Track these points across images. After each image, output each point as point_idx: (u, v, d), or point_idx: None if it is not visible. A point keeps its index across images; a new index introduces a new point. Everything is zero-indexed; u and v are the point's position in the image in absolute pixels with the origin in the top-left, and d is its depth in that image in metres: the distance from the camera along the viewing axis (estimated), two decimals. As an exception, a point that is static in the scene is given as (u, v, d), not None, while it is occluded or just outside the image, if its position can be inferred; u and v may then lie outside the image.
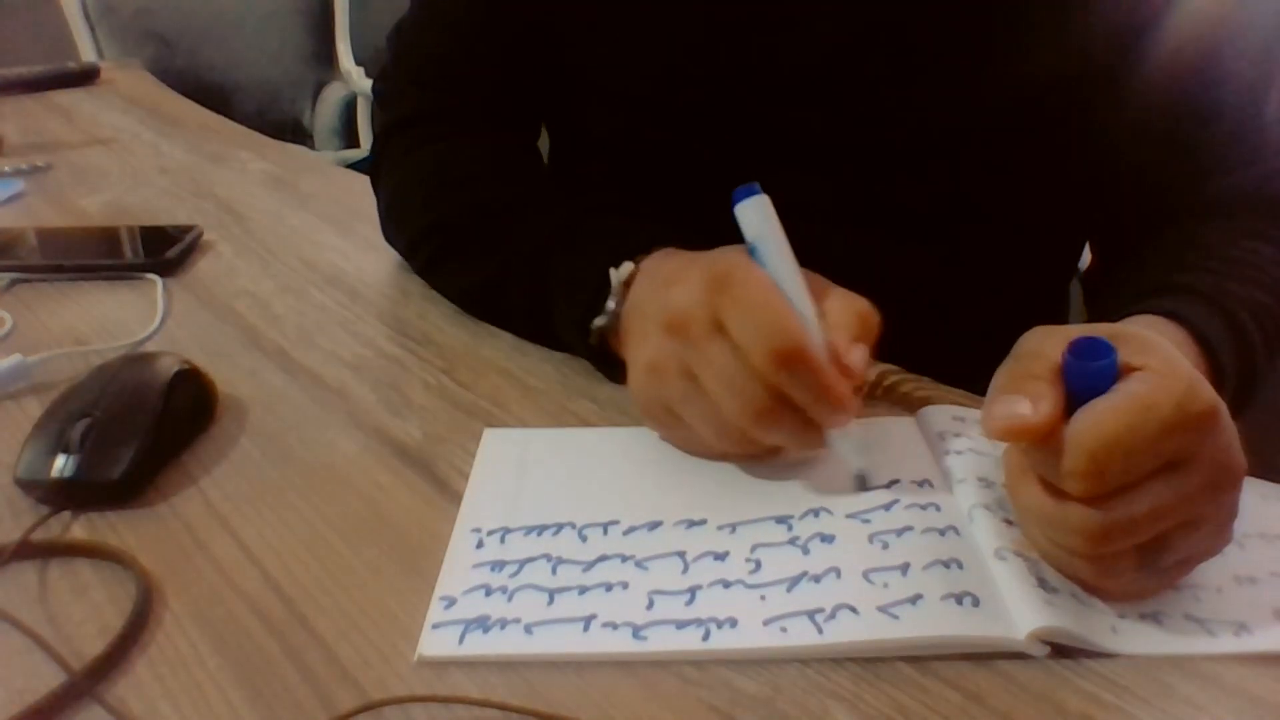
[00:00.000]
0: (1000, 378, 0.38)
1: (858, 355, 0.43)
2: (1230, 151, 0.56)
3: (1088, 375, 0.35)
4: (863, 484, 0.43)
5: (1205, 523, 0.35)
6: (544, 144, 0.78)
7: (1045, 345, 0.37)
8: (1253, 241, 0.54)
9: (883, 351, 0.56)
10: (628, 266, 0.50)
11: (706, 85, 0.61)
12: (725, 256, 0.44)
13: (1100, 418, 0.34)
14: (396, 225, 0.68)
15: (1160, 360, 0.35)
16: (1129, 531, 0.34)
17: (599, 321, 0.51)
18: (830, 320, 0.44)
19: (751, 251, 0.44)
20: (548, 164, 0.78)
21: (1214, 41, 0.54)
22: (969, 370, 0.54)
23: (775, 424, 0.42)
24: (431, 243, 0.64)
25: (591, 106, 0.69)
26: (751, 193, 0.45)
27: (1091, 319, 0.62)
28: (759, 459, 0.45)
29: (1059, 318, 0.73)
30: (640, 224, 0.54)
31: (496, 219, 0.60)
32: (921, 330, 0.62)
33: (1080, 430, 0.34)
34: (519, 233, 0.58)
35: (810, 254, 0.63)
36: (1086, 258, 0.70)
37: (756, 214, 0.45)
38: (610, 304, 0.50)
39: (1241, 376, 0.49)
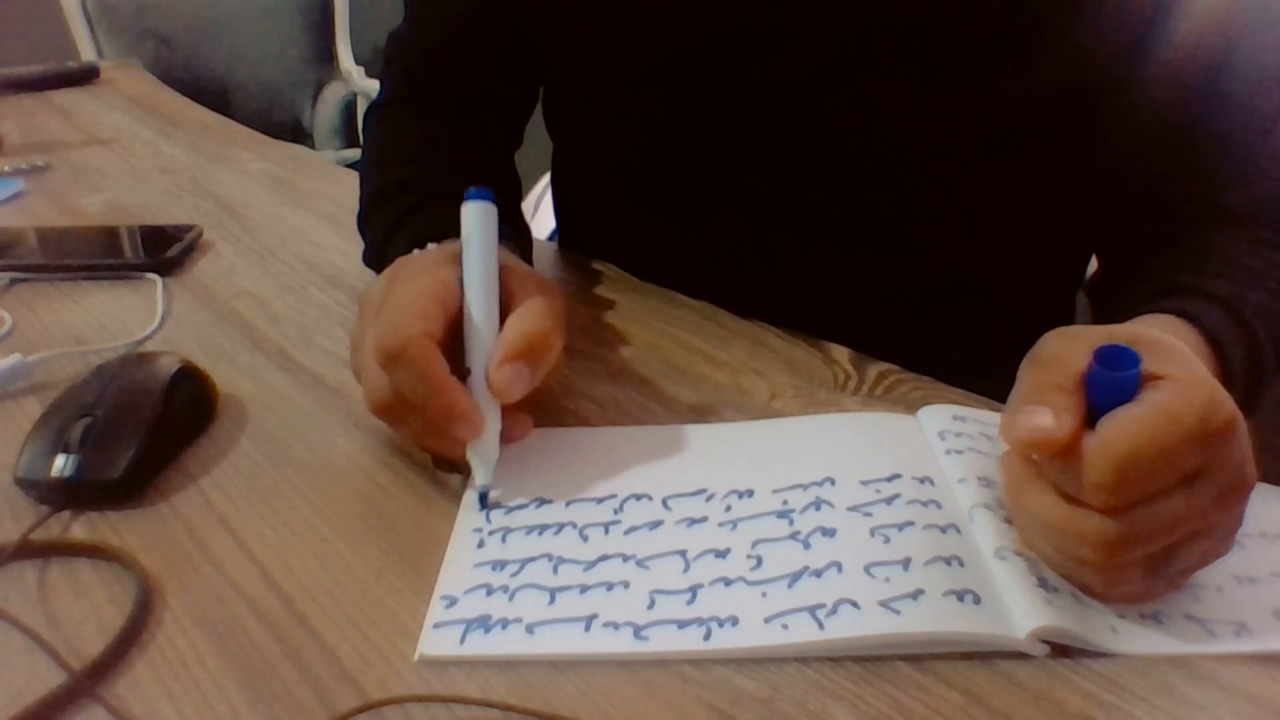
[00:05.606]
0: (1021, 385, 0.38)
1: (502, 373, 0.43)
2: (1246, 164, 0.56)
3: (1112, 385, 0.35)
4: (482, 502, 0.44)
5: (1214, 531, 0.35)
6: (547, 150, 0.78)
7: (1067, 351, 0.37)
8: (1267, 250, 0.53)
9: (887, 353, 0.56)
10: (430, 247, 0.53)
11: (697, 98, 0.61)
12: (427, 254, 0.48)
13: (1126, 429, 0.34)
14: None
15: (1181, 369, 0.35)
16: (1145, 541, 0.34)
17: None
18: (502, 335, 0.44)
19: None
20: (551, 168, 0.79)
21: (1226, 52, 0.54)
22: (972, 371, 0.54)
23: (395, 419, 0.44)
24: (357, 219, 0.68)
25: (583, 115, 0.70)
26: (478, 197, 0.47)
27: (1097, 324, 0.61)
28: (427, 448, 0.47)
29: (1065, 322, 0.73)
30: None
31: (378, 204, 0.64)
32: (925, 335, 0.62)
33: (1106, 442, 0.34)
34: (383, 214, 0.62)
35: (811, 266, 0.63)
36: (1093, 265, 0.70)
37: (469, 217, 0.47)
38: None
39: (1249, 381, 0.48)
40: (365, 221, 0.67)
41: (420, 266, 0.46)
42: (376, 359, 0.42)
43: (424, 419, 0.43)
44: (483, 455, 0.43)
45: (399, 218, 0.60)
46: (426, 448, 0.46)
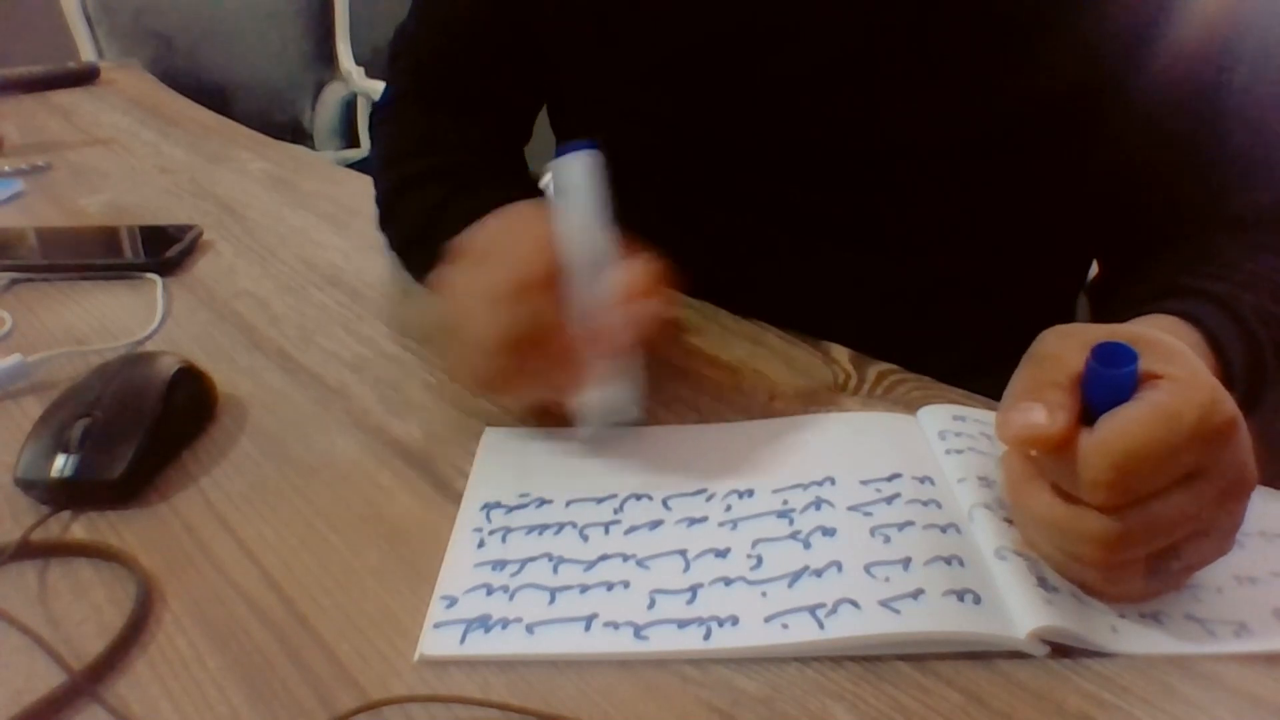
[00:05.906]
0: (1017, 382, 0.38)
1: (609, 316, 0.44)
2: (1248, 168, 0.56)
3: (1110, 382, 0.35)
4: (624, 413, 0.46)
5: (1214, 531, 0.35)
6: (549, 148, 0.78)
7: (1063, 349, 0.37)
8: (1266, 255, 0.53)
9: (887, 353, 0.56)
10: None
11: (698, 97, 0.61)
12: (523, 207, 0.49)
13: (1125, 427, 0.34)
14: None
15: (1182, 368, 0.35)
16: (1145, 540, 0.34)
17: None
18: (614, 281, 0.45)
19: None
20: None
21: (1229, 55, 0.53)
22: (972, 371, 0.54)
23: (508, 357, 0.43)
24: (379, 212, 0.69)
25: (585, 114, 0.70)
26: (582, 148, 0.47)
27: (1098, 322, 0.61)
28: (516, 401, 0.49)
29: (1066, 322, 0.73)
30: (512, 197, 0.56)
31: (408, 191, 0.65)
32: (925, 335, 0.62)
33: (1104, 440, 0.34)
34: (421, 198, 0.63)
35: (811, 266, 0.63)
36: (1094, 268, 0.69)
37: (575, 168, 0.47)
38: None
39: (1250, 383, 0.49)
40: (391, 210, 0.67)
41: (524, 216, 0.47)
42: (508, 291, 0.43)
43: (545, 355, 0.43)
44: (614, 385, 0.46)
45: (444, 197, 0.60)
46: (521, 392, 0.47)
